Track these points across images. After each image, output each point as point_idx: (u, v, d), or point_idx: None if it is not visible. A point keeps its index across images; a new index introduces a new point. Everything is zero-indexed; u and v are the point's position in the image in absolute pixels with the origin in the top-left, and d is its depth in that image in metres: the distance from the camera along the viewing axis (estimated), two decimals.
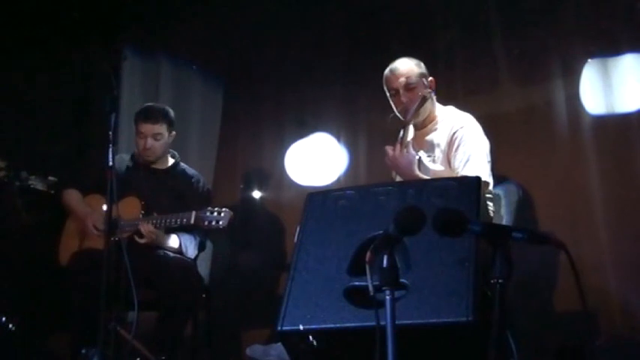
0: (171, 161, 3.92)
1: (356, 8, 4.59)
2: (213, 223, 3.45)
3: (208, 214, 3.47)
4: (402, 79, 3.25)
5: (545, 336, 3.65)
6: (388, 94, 3.35)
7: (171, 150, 3.94)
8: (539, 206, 3.89)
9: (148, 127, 3.73)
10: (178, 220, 3.55)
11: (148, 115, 3.76)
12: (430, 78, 3.33)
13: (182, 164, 3.95)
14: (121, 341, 3.07)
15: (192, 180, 3.89)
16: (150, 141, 3.73)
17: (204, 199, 3.81)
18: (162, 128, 3.75)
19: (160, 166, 3.88)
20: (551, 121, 4.02)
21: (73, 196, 3.84)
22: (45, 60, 4.67)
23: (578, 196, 3.86)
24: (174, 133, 3.85)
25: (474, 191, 2.50)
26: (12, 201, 4.10)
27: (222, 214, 3.46)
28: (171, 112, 3.84)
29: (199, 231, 3.73)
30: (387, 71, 3.34)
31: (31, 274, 4.09)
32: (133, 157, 3.90)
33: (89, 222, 3.65)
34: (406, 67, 3.29)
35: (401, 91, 3.26)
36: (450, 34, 4.41)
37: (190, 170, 3.95)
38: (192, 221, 3.49)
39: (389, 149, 3.20)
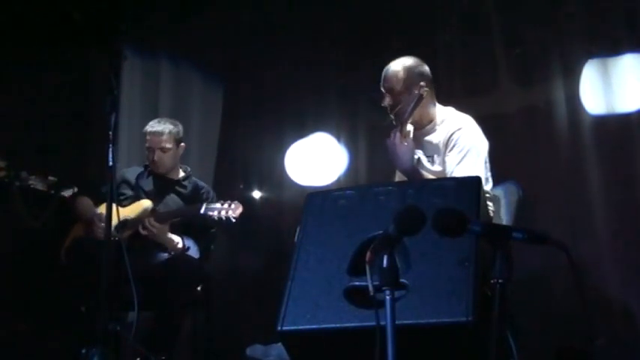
0: (182, 174, 3.96)
1: (356, 8, 4.59)
2: (223, 213, 3.46)
3: (219, 205, 3.49)
4: (386, 85, 3.23)
5: (545, 336, 3.65)
6: None
7: (183, 165, 3.98)
8: (539, 206, 3.90)
9: (154, 141, 3.81)
10: (187, 212, 3.57)
11: (153, 128, 3.83)
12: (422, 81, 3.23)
13: (193, 178, 3.99)
14: (121, 341, 3.06)
15: (202, 191, 3.93)
16: (158, 154, 3.80)
17: None
18: (168, 141, 3.80)
19: (171, 176, 3.93)
20: (551, 121, 4.03)
21: (84, 205, 3.84)
22: (45, 60, 4.66)
23: (578, 195, 3.87)
24: (183, 145, 3.90)
25: (474, 191, 2.50)
26: (12, 201, 4.10)
27: (233, 206, 3.48)
28: (178, 126, 3.89)
29: (204, 234, 3.76)
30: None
31: (32, 275, 4.08)
32: (145, 168, 3.95)
33: (97, 219, 3.65)
34: (391, 71, 3.21)
35: (385, 94, 3.23)
36: (450, 34, 4.42)
37: (200, 183, 3.99)
38: (201, 211, 3.50)
39: (391, 135, 3.16)
